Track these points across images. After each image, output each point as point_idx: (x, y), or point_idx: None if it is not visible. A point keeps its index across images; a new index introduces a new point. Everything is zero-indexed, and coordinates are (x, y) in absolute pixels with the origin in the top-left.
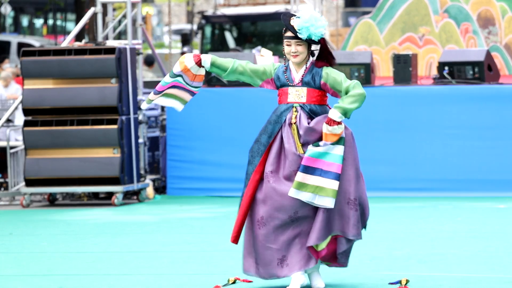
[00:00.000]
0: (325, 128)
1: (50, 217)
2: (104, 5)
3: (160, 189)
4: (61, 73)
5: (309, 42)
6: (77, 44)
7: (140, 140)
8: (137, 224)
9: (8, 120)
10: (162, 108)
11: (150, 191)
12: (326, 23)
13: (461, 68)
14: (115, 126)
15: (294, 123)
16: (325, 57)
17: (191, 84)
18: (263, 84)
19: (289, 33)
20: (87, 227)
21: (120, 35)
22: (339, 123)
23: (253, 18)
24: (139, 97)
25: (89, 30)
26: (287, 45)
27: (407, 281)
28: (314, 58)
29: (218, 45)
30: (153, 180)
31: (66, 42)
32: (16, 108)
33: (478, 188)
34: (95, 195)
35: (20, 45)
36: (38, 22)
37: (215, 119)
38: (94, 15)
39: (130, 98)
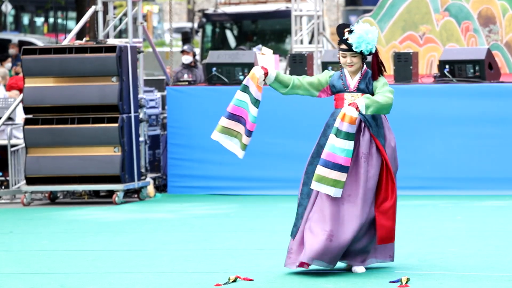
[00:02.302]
0: (345, 107)
1: (51, 215)
2: (105, 3)
3: (161, 188)
4: (62, 71)
5: (362, 53)
6: (77, 43)
7: (141, 139)
8: (138, 222)
9: (9, 118)
10: (163, 106)
11: (150, 189)
12: (376, 35)
13: (461, 66)
14: (115, 125)
15: None
16: (377, 67)
17: (256, 97)
18: (320, 94)
19: (344, 46)
20: (87, 225)
21: (120, 34)
22: (358, 109)
23: (253, 16)
24: (140, 95)
25: (90, 29)
26: (343, 56)
27: (408, 279)
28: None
29: (219, 43)
30: (154, 179)
31: (67, 40)
32: (17, 106)
33: (478, 186)
34: (96, 193)
35: (21, 43)
36: (39, 20)
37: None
38: (95, 13)
39: (131, 96)
